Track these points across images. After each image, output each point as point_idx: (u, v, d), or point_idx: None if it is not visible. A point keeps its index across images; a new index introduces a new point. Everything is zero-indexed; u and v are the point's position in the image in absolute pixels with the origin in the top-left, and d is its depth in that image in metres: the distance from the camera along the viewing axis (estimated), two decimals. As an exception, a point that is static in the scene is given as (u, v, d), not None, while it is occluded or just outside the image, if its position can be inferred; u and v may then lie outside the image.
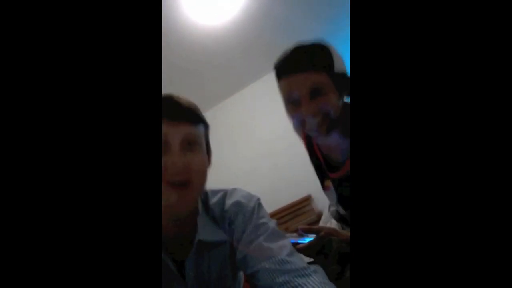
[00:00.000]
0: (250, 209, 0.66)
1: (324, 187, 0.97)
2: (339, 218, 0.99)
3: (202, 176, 0.62)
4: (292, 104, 0.73)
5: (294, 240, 0.79)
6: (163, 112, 0.57)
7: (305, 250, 0.79)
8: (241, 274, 0.74)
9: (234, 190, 0.71)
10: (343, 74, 0.74)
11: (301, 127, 0.76)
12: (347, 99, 0.78)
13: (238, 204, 0.67)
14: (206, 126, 0.66)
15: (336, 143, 0.83)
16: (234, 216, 0.66)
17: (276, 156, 2.75)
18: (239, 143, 2.95)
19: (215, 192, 0.72)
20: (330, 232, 0.79)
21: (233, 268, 0.68)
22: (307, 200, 2.52)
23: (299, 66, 0.70)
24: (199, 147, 0.61)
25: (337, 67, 0.71)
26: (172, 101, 0.60)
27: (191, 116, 0.61)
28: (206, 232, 0.63)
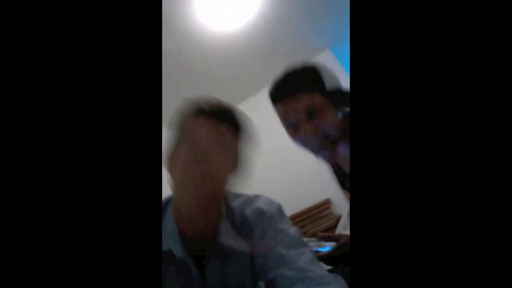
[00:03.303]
0: (270, 215, 0.65)
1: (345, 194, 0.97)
2: None
3: (224, 172, 0.60)
4: (291, 127, 0.75)
5: (314, 248, 0.78)
6: (194, 112, 0.60)
7: (325, 258, 0.77)
8: (262, 284, 0.73)
9: (256, 197, 0.70)
10: (337, 90, 0.74)
11: (305, 147, 0.76)
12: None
13: (258, 210, 0.66)
14: (235, 127, 0.64)
15: (344, 154, 0.82)
16: (254, 223, 0.65)
17: (295, 160, 2.72)
18: (256, 146, 2.94)
19: (236, 196, 0.70)
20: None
21: (254, 277, 0.67)
22: (326, 204, 2.48)
23: (291, 90, 0.72)
24: (223, 147, 0.60)
25: (329, 84, 0.72)
26: (203, 101, 0.62)
27: (218, 114, 0.61)
28: (228, 237, 0.62)
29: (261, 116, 2.94)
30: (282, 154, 2.81)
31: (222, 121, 0.61)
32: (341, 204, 2.31)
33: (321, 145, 0.73)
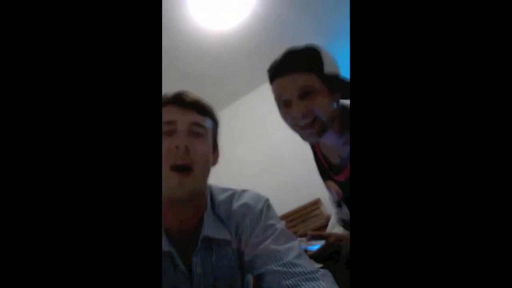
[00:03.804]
0: (258, 210, 0.66)
1: (326, 188, 0.96)
2: (343, 224, 0.98)
3: (205, 165, 0.62)
4: (284, 106, 0.74)
5: (303, 246, 0.78)
6: (174, 100, 0.63)
7: (314, 256, 0.78)
8: (250, 277, 0.73)
9: (243, 192, 0.71)
10: (335, 76, 0.73)
11: (294, 127, 0.76)
12: (343, 101, 0.77)
13: (245, 206, 0.66)
14: (214, 122, 0.68)
15: (331, 144, 0.82)
16: (242, 218, 0.65)
17: (285, 159, 2.73)
18: (248, 145, 2.94)
19: (223, 190, 0.71)
20: (340, 238, 0.78)
21: (242, 271, 0.67)
22: (316, 203, 2.49)
23: (288, 68, 0.71)
24: (204, 139, 0.63)
25: (328, 69, 0.71)
26: (183, 92, 0.65)
27: (199, 107, 0.64)
28: (212, 228, 0.63)
29: (255, 115, 2.95)
30: (273, 153, 2.81)
31: (203, 114, 0.64)
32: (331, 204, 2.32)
33: (309, 125, 0.72)
